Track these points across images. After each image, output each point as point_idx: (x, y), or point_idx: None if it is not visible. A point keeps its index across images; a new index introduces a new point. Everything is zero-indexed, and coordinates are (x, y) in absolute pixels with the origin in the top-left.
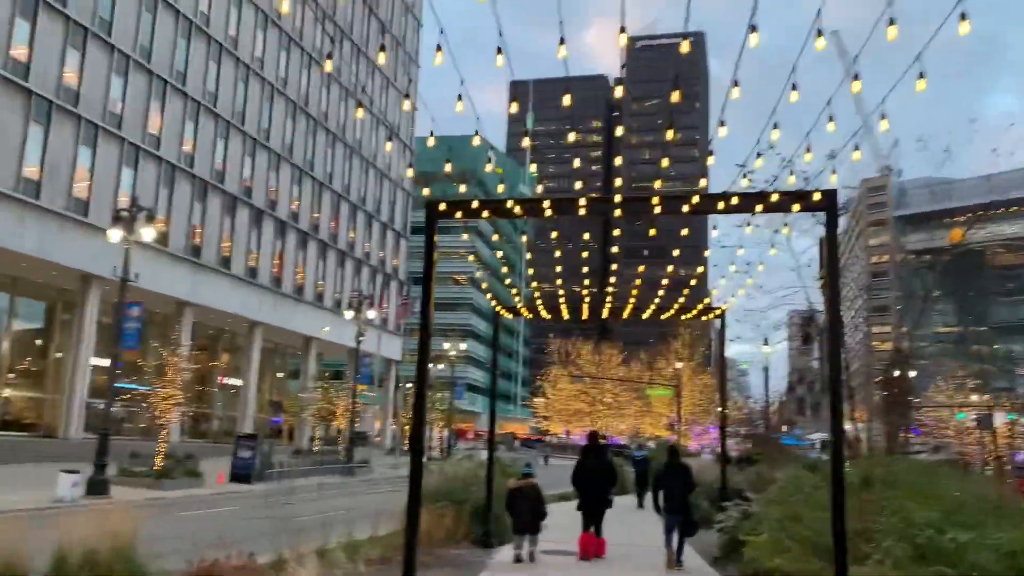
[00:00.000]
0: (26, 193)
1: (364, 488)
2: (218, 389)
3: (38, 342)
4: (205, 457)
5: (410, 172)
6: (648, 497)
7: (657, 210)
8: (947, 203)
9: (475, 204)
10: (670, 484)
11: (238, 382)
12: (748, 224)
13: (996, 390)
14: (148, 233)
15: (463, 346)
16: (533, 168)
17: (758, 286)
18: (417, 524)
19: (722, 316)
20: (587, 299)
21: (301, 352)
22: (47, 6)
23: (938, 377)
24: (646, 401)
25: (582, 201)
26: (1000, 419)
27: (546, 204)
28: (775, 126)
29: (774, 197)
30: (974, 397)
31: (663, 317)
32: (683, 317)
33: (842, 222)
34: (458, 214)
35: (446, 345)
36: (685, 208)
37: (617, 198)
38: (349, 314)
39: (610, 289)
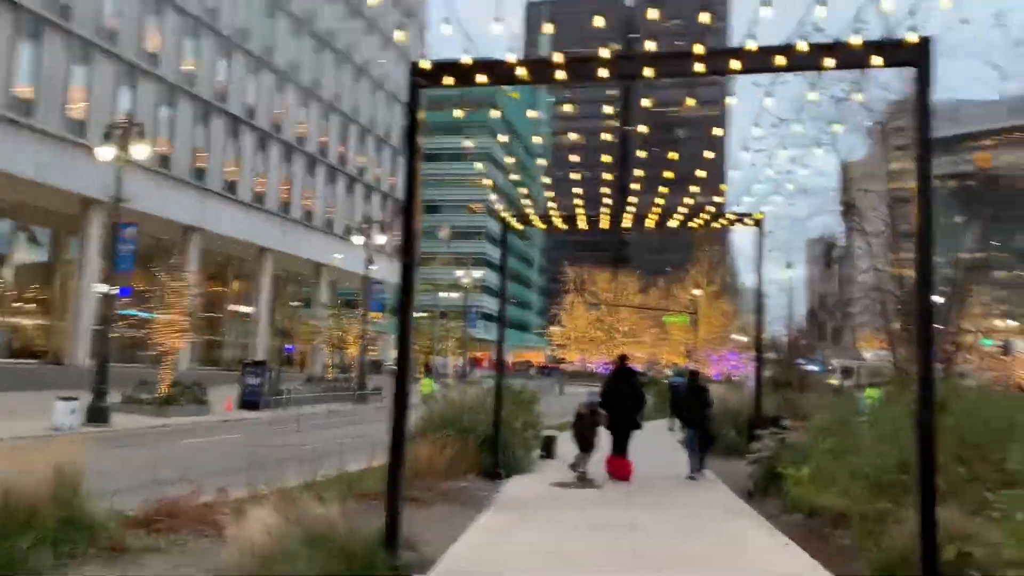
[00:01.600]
0: (19, 113)
1: (375, 416)
2: (229, 317)
3: (44, 269)
4: (215, 384)
5: None
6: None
7: (700, 68)
8: (969, 126)
9: (467, 61)
10: (689, 404)
11: (249, 309)
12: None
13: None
14: (141, 151)
15: (477, 274)
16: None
17: (798, 191)
18: (401, 459)
19: (759, 224)
20: (607, 208)
21: (313, 280)
22: None
23: (966, 302)
24: (663, 329)
25: (604, 54)
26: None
27: (558, 60)
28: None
29: (854, 43)
30: (998, 323)
31: (692, 226)
32: (718, 223)
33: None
34: (449, 80)
35: (459, 273)
36: (735, 64)
37: (650, 47)
38: (359, 240)
39: (632, 199)
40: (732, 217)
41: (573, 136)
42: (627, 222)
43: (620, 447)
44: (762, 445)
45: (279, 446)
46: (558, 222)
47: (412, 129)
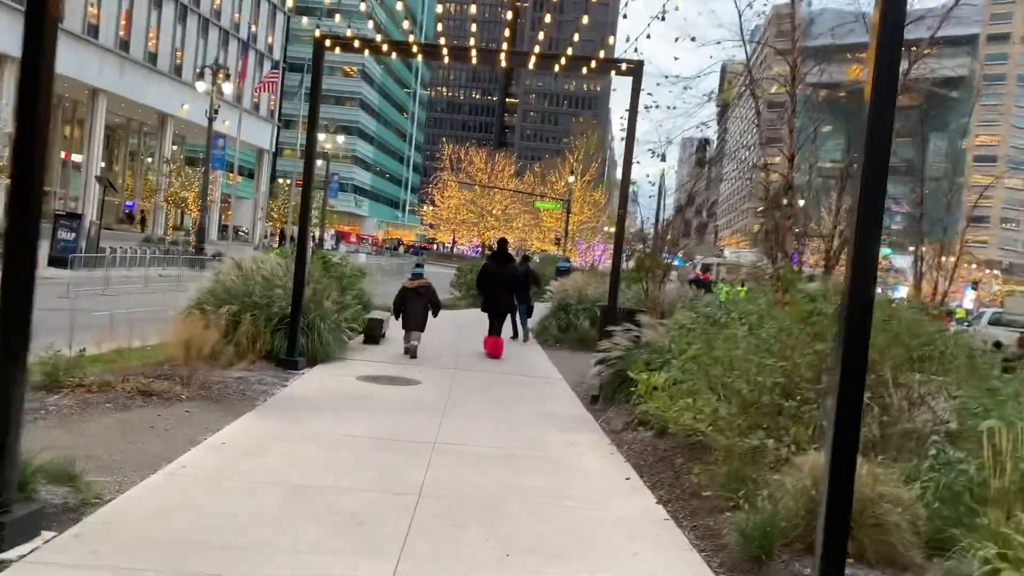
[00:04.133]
0: None
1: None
2: (58, 164)
3: None
4: None
5: None
6: None
7: None
8: (850, 38)
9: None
10: (524, 283)
11: (79, 158)
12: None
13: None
14: None
15: (340, 140)
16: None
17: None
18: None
19: (637, 71)
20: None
21: (158, 132)
22: None
23: (823, 209)
24: (535, 214)
25: None
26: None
27: None
28: None
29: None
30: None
31: (561, 67)
32: (591, 66)
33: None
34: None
35: (322, 138)
36: None
37: None
38: (201, 86)
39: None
40: (605, 58)
41: None
42: (504, 62)
43: (496, 329)
44: (612, 343)
45: (62, 310)
46: (386, 49)
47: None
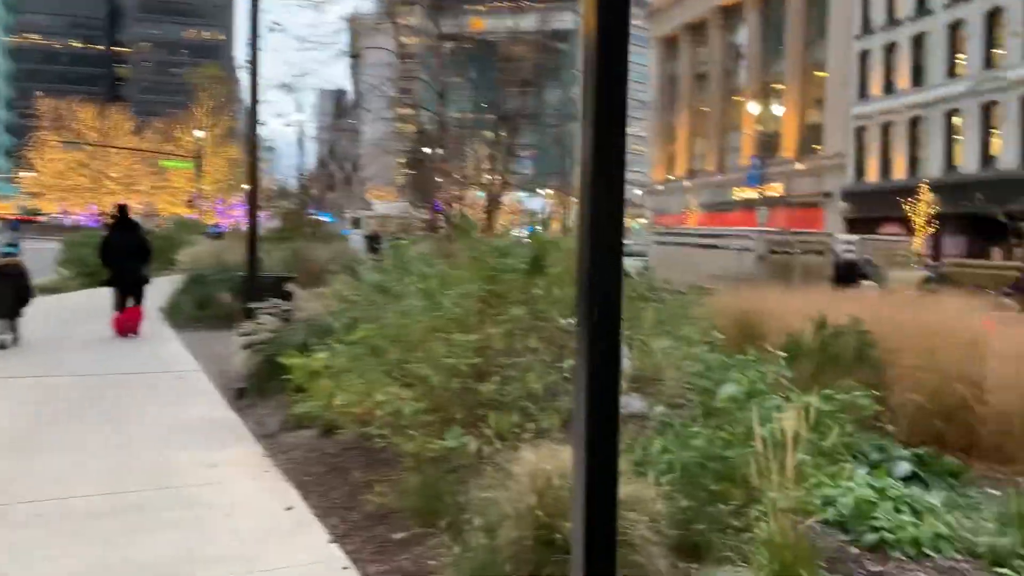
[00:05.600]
0: None
1: None
2: None
3: None
4: None
5: None
6: None
7: None
8: None
9: None
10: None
11: None
12: None
13: (510, 172)
14: None
15: None
16: None
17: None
18: None
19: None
20: None
21: None
22: None
23: (461, 160)
24: (162, 175)
25: None
26: (509, 198)
27: None
28: None
29: None
30: (489, 179)
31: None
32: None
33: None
34: None
35: None
36: None
37: None
38: None
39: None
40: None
41: None
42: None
43: (121, 304)
44: (257, 325)
45: None
46: None
47: None
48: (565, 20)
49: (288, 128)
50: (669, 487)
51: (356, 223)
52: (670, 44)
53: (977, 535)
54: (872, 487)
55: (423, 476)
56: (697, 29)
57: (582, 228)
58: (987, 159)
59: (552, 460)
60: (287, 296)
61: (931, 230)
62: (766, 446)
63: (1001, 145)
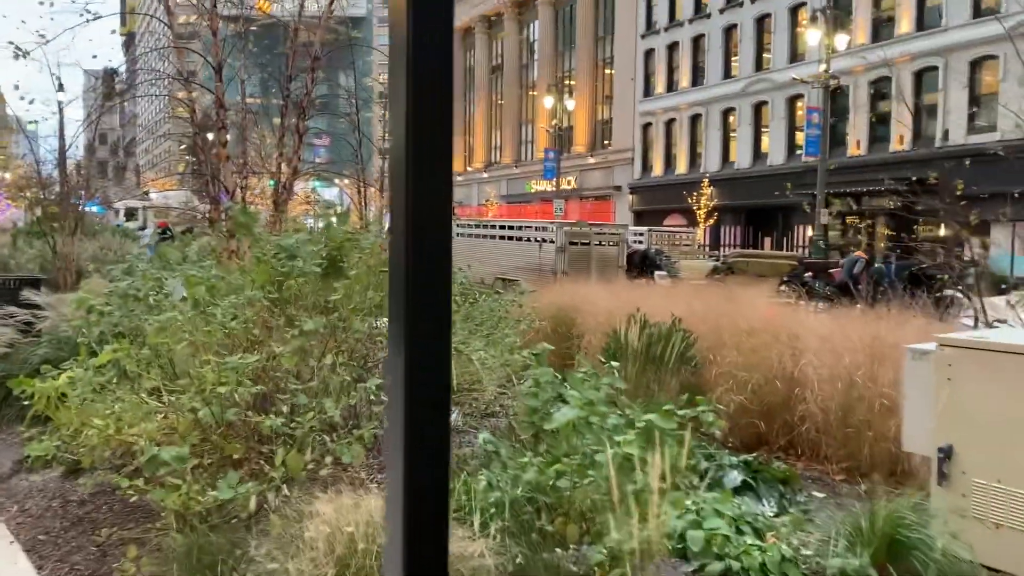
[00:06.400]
0: None
1: None
2: None
3: None
4: None
5: None
6: None
7: None
8: None
9: None
10: None
11: None
12: None
13: (300, 160)
14: None
15: None
16: None
17: None
18: None
19: None
20: None
21: None
22: None
23: (249, 146)
24: None
25: None
26: (302, 187)
27: None
28: None
29: None
30: (283, 167)
31: None
32: None
33: None
34: None
35: None
36: None
37: None
38: None
39: None
40: None
41: None
42: None
43: None
44: None
45: None
46: None
47: None
48: (359, 7)
49: (35, 106)
50: (498, 534)
51: (130, 214)
52: (466, 34)
53: (826, 558)
54: (718, 512)
55: (191, 537)
56: (493, 21)
57: (401, 219)
58: (758, 155)
59: (355, 514)
60: (30, 304)
61: (711, 221)
62: (606, 476)
63: (769, 143)
